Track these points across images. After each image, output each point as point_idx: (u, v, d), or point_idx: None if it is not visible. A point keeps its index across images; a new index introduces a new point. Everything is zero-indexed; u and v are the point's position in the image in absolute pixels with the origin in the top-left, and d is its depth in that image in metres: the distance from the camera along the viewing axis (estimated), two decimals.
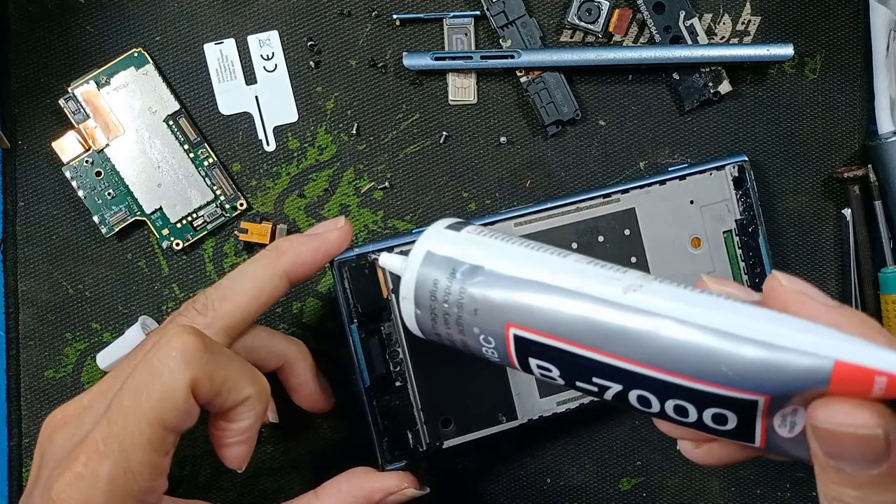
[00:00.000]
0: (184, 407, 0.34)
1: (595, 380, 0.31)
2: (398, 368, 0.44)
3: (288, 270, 0.41)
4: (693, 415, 0.29)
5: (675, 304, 0.29)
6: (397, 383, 0.44)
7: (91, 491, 0.33)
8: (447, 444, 0.44)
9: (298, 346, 0.44)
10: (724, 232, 0.47)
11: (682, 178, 0.46)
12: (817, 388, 0.26)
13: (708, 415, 0.29)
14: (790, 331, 0.27)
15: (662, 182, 0.46)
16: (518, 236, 0.36)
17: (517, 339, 0.33)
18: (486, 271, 0.34)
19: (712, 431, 0.30)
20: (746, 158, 0.47)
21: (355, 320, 0.43)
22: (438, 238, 0.36)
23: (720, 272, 0.47)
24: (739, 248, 0.47)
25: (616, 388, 0.31)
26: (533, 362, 0.33)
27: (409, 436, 0.44)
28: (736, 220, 0.47)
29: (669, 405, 0.30)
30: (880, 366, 0.25)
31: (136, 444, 0.34)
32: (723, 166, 0.46)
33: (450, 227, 0.37)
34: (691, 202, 0.46)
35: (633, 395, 0.30)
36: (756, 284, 0.47)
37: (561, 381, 0.33)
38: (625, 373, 0.30)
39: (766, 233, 0.47)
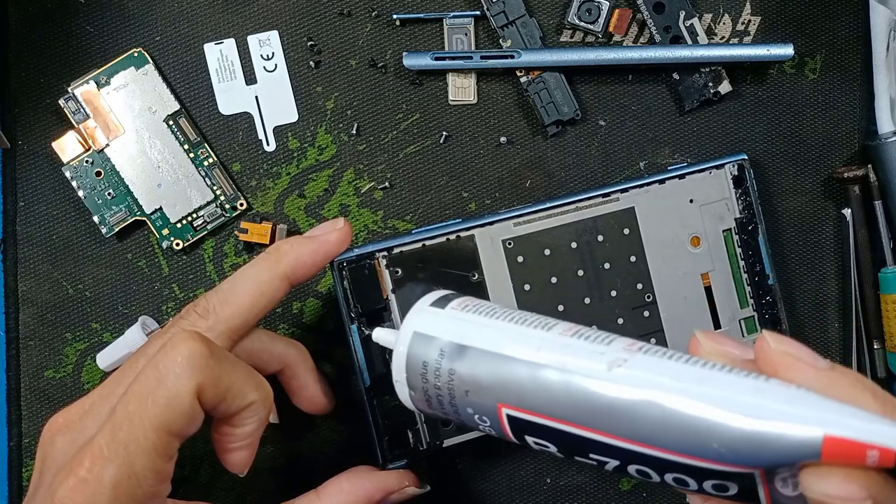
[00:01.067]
0: (189, 413, 0.34)
1: (592, 455, 0.31)
2: None
3: (288, 273, 0.40)
4: (693, 485, 0.29)
5: (660, 379, 0.29)
6: None
7: (95, 496, 0.33)
8: (447, 442, 0.45)
9: (299, 349, 0.44)
10: (723, 231, 0.47)
11: (681, 177, 0.46)
12: (810, 459, 0.26)
13: (708, 485, 0.29)
14: (778, 403, 0.27)
15: (662, 181, 0.46)
16: (503, 307, 0.36)
17: (510, 418, 0.32)
18: (472, 350, 0.33)
19: (717, 496, 0.30)
20: (746, 157, 0.47)
21: (355, 320, 0.43)
22: (423, 317, 0.36)
23: (720, 271, 0.47)
24: (739, 246, 0.47)
25: (614, 462, 0.31)
26: (529, 439, 0.33)
27: (410, 435, 0.44)
28: (735, 219, 0.47)
29: (668, 477, 0.30)
30: (871, 439, 0.25)
31: (141, 449, 0.34)
32: (722, 165, 0.47)
33: (434, 303, 0.36)
34: (691, 201, 0.46)
35: (631, 469, 0.30)
36: (756, 283, 0.47)
37: (561, 456, 0.32)
38: (618, 450, 0.30)
39: (765, 231, 0.47)
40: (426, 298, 0.37)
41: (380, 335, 0.39)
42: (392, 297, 0.44)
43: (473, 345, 0.33)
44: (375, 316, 0.44)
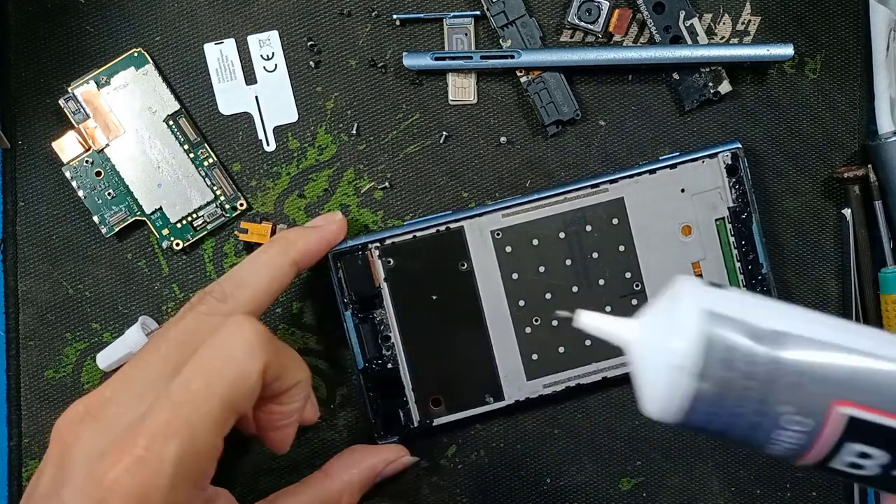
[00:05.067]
0: (254, 389, 0.36)
1: None
2: (390, 353, 0.46)
3: (297, 259, 0.42)
4: None
5: None
6: (389, 366, 0.46)
7: (155, 475, 0.33)
8: (437, 422, 0.47)
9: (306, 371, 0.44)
10: (716, 220, 0.47)
11: (672, 166, 0.46)
12: None
13: None
14: None
15: (652, 171, 0.46)
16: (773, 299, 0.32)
17: (851, 420, 0.29)
18: (794, 337, 0.29)
19: None
20: (740, 145, 0.47)
21: (349, 307, 0.46)
22: (712, 296, 0.30)
23: (711, 260, 0.47)
24: (732, 235, 0.47)
25: None
26: (851, 447, 0.29)
27: (402, 414, 0.46)
28: (729, 208, 0.47)
29: None
30: None
31: (206, 425, 0.34)
32: (715, 154, 0.47)
33: (711, 284, 0.31)
34: (682, 191, 0.47)
35: None
36: (750, 272, 0.47)
37: (875, 472, 0.30)
38: None
39: (759, 220, 0.47)
40: (693, 279, 0.31)
41: (594, 323, 0.31)
42: (384, 286, 0.46)
43: (797, 332, 0.29)
44: (368, 303, 0.46)
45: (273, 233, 0.47)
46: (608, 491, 0.49)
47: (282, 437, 0.40)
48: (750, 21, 0.48)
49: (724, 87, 0.48)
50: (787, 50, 0.47)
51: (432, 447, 0.48)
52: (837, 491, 0.49)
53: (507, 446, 0.48)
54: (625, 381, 0.47)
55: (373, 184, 0.48)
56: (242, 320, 0.36)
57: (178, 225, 0.47)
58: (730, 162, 0.47)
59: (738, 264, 0.47)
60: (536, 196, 0.46)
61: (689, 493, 0.49)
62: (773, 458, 0.30)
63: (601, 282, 0.46)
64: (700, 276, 0.47)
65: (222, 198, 0.48)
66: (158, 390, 0.36)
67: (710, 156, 0.46)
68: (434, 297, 0.46)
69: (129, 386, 0.37)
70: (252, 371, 0.36)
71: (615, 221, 0.46)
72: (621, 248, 0.46)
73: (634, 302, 0.46)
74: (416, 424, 0.46)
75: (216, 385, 0.35)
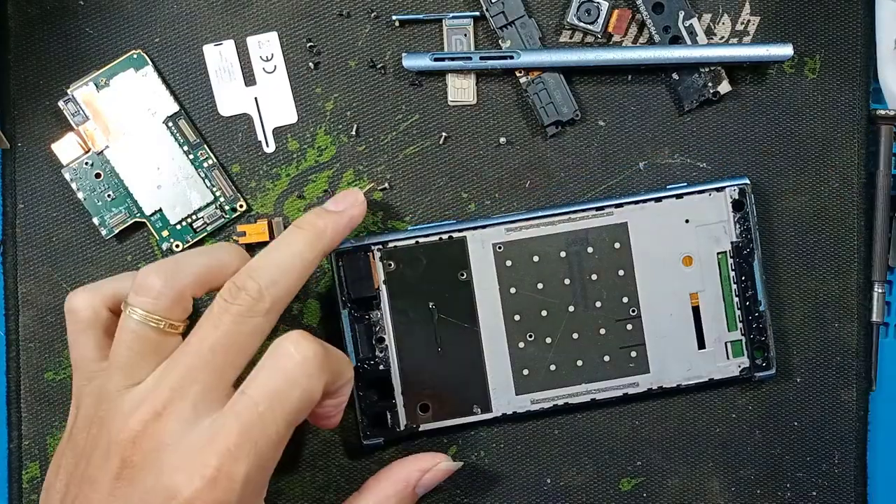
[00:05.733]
0: (315, 402, 0.38)
1: None
2: (383, 354, 0.46)
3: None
4: None
5: None
6: (381, 367, 0.46)
7: (226, 493, 0.36)
8: (423, 427, 0.47)
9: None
10: (718, 253, 0.47)
11: (679, 196, 0.46)
12: None
13: None
14: None
15: (658, 199, 0.46)
16: None
17: None
18: None
19: None
20: (748, 181, 0.47)
21: (347, 306, 0.46)
22: None
23: (709, 292, 0.47)
24: (733, 269, 0.47)
25: None
26: None
27: (389, 416, 0.47)
28: (732, 243, 0.47)
29: None
30: None
31: (272, 443, 0.37)
32: (723, 188, 0.47)
33: None
34: (686, 221, 0.47)
35: None
36: (747, 308, 0.47)
37: None
38: None
39: (761, 257, 0.47)
40: None
41: None
42: (383, 288, 0.46)
43: None
44: (366, 304, 0.46)
45: (270, 230, 0.47)
46: (608, 491, 0.49)
47: (334, 421, 0.43)
48: (749, 21, 0.48)
49: (724, 87, 0.48)
50: (787, 50, 0.47)
51: (432, 447, 0.48)
52: (838, 491, 0.49)
53: (508, 446, 0.49)
54: (613, 403, 0.48)
55: (372, 185, 0.48)
56: (299, 340, 0.38)
57: (178, 226, 0.47)
58: (736, 197, 0.47)
59: (735, 299, 0.47)
60: (541, 213, 0.46)
61: (690, 493, 0.49)
62: None
63: (598, 304, 0.47)
64: (697, 307, 0.47)
65: (222, 199, 0.48)
66: (213, 404, 0.37)
67: (718, 189, 0.47)
68: (431, 304, 0.46)
69: (183, 399, 0.37)
70: (315, 390, 0.38)
71: (617, 245, 0.46)
72: (621, 272, 0.47)
73: (629, 327, 0.47)
74: (402, 427, 0.47)
75: (282, 407, 0.37)
